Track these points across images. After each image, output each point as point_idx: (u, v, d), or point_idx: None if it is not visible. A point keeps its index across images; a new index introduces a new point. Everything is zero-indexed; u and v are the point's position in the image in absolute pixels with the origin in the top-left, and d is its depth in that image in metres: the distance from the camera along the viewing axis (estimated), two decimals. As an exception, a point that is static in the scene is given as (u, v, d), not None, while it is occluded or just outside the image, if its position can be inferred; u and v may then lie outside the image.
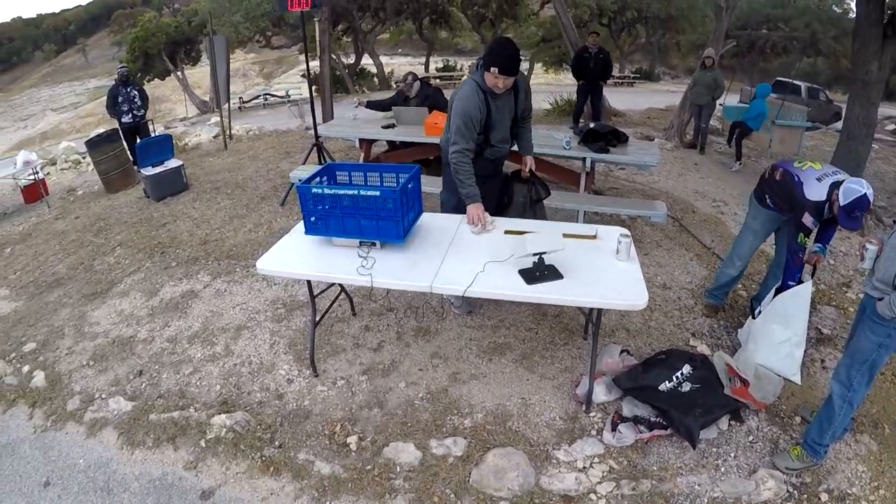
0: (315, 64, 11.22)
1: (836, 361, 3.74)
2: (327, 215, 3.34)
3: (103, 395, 3.92)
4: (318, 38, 10.78)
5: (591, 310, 3.61)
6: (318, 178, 3.52)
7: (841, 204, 3.18)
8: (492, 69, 3.48)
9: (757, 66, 30.22)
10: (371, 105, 7.60)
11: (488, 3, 26.21)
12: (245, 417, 3.56)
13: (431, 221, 3.79)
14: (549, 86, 24.25)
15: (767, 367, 3.39)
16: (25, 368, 4.33)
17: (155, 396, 3.86)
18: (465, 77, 4.23)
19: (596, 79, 10.60)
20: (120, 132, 9.16)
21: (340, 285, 4.24)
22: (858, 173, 6.77)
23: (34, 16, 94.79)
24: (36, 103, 55.64)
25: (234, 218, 6.65)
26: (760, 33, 27.71)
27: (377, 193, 3.22)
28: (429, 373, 3.87)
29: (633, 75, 32.71)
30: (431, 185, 5.01)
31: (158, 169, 7.61)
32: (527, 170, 4.15)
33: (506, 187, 4.24)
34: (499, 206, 4.15)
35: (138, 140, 8.71)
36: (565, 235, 3.24)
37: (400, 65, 38.96)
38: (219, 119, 12.38)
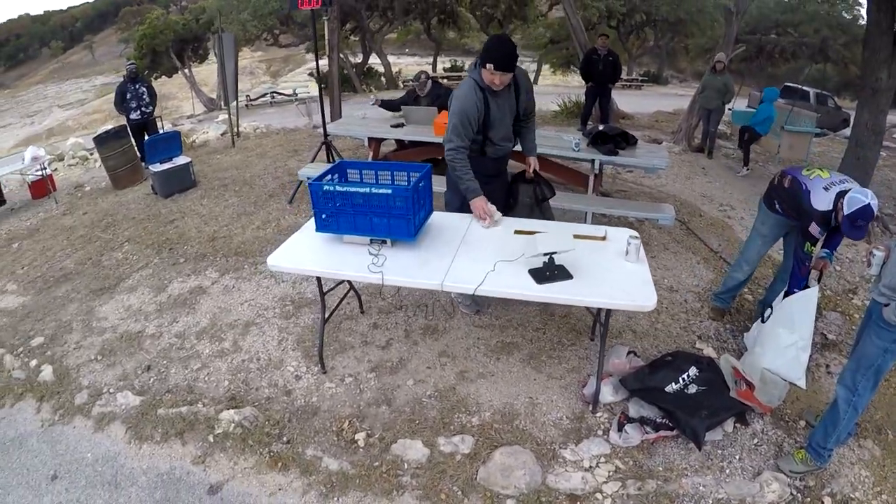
0: (323, 63, 11.25)
1: (840, 367, 3.76)
2: (339, 213, 3.35)
3: (111, 390, 3.94)
4: (327, 37, 10.78)
5: (600, 310, 3.63)
6: (329, 176, 3.54)
7: (845, 213, 3.19)
8: (487, 65, 3.50)
9: (765, 71, 30.14)
10: (385, 104, 7.63)
11: (497, 3, 26.18)
12: (253, 413, 3.58)
13: (441, 220, 3.81)
14: (557, 87, 24.29)
15: (773, 371, 3.40)
16: (33, 362, 4.36)
17: (163, 391, 3.89)
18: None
19: (605, 81, 10.61)
20: (128, 129, 9.16)
21: (349, 283, 4.26)
22: (866, 181, 6.79)
23: (41, 12, 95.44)
24: (42, 100, 55.80)
25: (242, 215, 6.68)
26: (769, 38, 27.62)
27: (389, 191, 3.24)
28: (437, 371, 3.88)
29: (641, 78, 32.68)
30: (440, 184, 5.01)
31: (167, 165, 7.64)
32: (531, 171, 4.16)
33: (511, 188, 4.24)
34: (504, 207, 4.15)
35: (146, 137, 8.74)
36: (575, 236, 3.25)
37: (407, 64, 39.04)
38: (226, 116, 12.40)
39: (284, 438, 3.42)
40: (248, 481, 3.17)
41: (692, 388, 3.42)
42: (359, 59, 29.48)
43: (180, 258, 5.71)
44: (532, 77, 31.20)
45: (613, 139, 5.78)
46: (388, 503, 3.00)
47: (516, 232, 3.59)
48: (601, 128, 6.02)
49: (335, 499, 3.03)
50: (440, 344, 4.15)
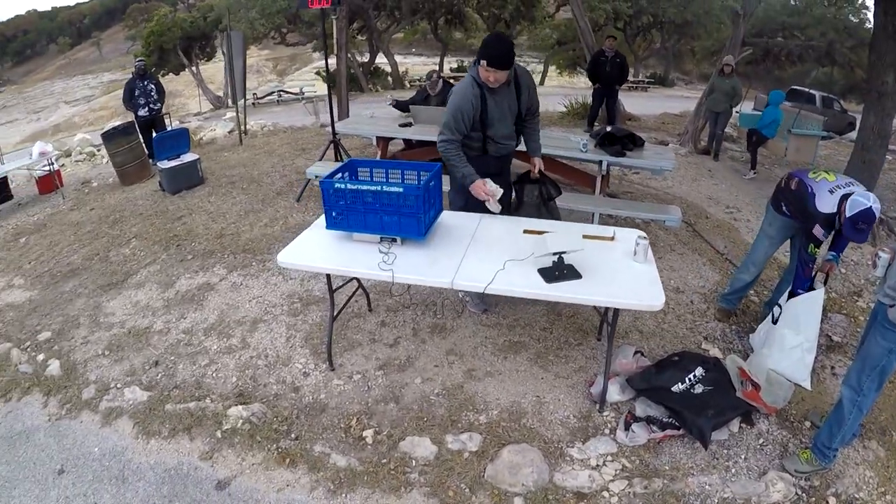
0: (331, 62, 11.29)
1: (845, 368, 3.77)
2: (349, 210, 3.37)
3: (119, 385, 3.96)
4: (335, 36, 10.83)
5: (607, 310, 3.64)
6: (339, 174, 3.56)
7: (847, 215, 3.22)
8: (482, 62, 3.53)
9: (772, 74, 30.06)
10: (398, 105, 7.68)
11: (505, 4, 26.18)
12: (261, 409, 3.60)
13: (451, 219, 3.83)
14: (563, 88, 24.30)
15: (778, 372, 3.42)
16: (40, 357, 4.38)
17: (171, 387, 3.90)
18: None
19: (612, 83, 10.64)
20: (136, 125, 9.19)
21: (358, 281, 4.28)
22: (872, 184, 6.79)
23: (49, 9, 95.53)
24: (49, 96, 55.94)
25: (250, 212, 6.70)
26: (776, 41, 27.52)
27: (400, 190, 3.26)
28: (444, 369, 3.90)
29: (647, 80, 32.66)
30: (445, 183, 5.05)
31: (174, 162, 7.68)
32: (536, 171, 4.17)
33: (516, 189, 4.25)
34: (507, 206, 4.17)
35: (154, 133, 8.77)
36: (584, 236, 3.27)
37: (414, 64, 39.01)
38: (233, 114, 12.44)
39: (292, 435, 3.43)
40: (255, 477, 3.19)
41: (698, 388, 3.43)
42: (366, 58, 29.52)
43: (188, 255, 5.73)
44: (538, 78, 31.29)
45: (621, 141, 5.79)
46: (395, 500, 3.01)
47: (525, 231, 3.61)
48: (609, 129, 6.02)
49: (343, 495, 3.05)
50: (448, 342, 4.16)
